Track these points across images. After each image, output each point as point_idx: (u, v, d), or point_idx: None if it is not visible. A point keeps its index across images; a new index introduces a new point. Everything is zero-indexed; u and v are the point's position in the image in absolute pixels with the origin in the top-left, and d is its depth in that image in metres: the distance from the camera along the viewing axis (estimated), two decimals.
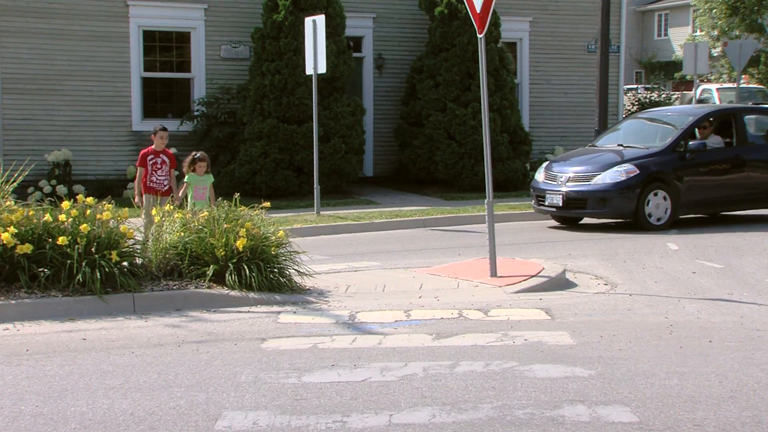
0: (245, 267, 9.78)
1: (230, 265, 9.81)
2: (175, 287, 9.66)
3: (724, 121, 16.99)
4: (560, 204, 15.95)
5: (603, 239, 14.84)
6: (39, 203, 10.07)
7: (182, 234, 10.11)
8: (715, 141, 16.60)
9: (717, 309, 9.53)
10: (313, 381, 6.72)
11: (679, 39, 54.16)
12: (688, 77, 38.17)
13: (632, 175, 15.52)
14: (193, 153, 13.01)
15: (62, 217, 9.44)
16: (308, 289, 10.31)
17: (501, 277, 10.87)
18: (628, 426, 5.73)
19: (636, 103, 26.23)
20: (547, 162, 17.29)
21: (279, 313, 9.24)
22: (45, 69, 20.01)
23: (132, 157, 20.59)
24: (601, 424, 5.77)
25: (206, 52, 21.31)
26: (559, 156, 17.89)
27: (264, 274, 9.84)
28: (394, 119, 22.74)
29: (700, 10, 43.56)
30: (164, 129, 13.31)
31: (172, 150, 20.39)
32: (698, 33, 48.22)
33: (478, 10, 10.99)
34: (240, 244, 9.76)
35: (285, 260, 10.24)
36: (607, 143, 17.19)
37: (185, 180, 12.62)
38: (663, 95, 31.50)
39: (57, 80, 20.15)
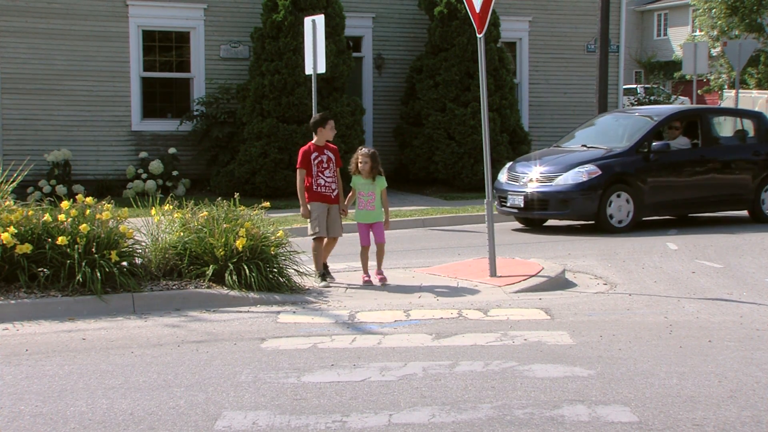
0: (245, 267, 9.77)
1: (230, 264, 9.80)
2: (174, 287, 9.65)
3: (692, 122, 16.75)
4: (522, 205, 15.64)
5: (603, 239, 14.83)
6: (38, 203, 10.06)
7: (182, 234, 10.11)
8: (681, 142, 16.37)
9: (716, 309, 9.53)
10: (313, 381, 6.72)
11: (678, 39, 54.19)
12: (687, 77, 38.17)
13: (594, 176, 15.27)
14: (359, 148, 11.14)
15: (62, 217, 9.44)
16: (308, 288, 10.31)
17: (500, 276, 10.87)
18: (628, 426, 5.73)
19: (636, 103, 26.22)
20: (511, 162, 17.02)
21: (278, 313, 9.24)
22: (44, 69, 20.02)
23: (131, 157, 20.64)
24: (601, 423, 5.76)
25: (206, 51, 21.32)
26: (524, 156, 17.60)
27: (263, 274, 9.83)
28: (393, 119, 22.75)
29: (700, 10, 43.57)
30: (330, 117, 11.08)
31: (171, 151, 20.59)
32: (698, 33, 48.24)
33: (477, 10, 10.99)
34: (239, 243, 9.76)
35: (284, 260, 10.24)
36: (573, 144, 16.90)
37: (351, 184, 10.87)
38: (668, 96, 31.10)
39: (56, 80, 20.16)
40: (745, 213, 17.10)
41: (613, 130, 16.90)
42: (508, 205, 15.92)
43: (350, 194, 10.91)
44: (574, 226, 16.25)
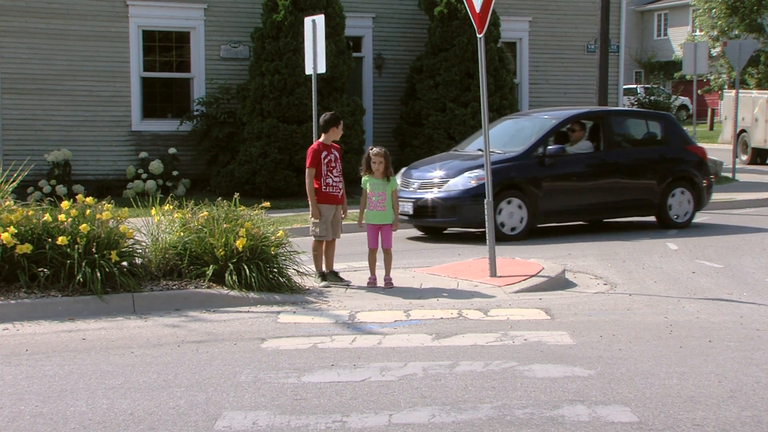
0: (245, 267, 9.77)
1: (230, 265, 9.80)
2: (174, 287, 9.65)
3: (595, 124, 16.02)
4: (411, 212, 14.78)
5: (602, 239, 14.83)
6: (38, 203, 10.06)
7: (182, 234, 10.10)
8: (583, 146, 15.70)
9: (717, 309, 9.53)
10: (313, 381, 6.72)
11: (678, 39, 54.20)
12: (687, 77, 38.18)
13: (484, 181, 13.82)
14: (370, 147, 10.98)
15: (62, 217, 9.44)
16: (308, 289, 10.31)
17: (501, 277, 10.87)
18: (628, 426, 5.73)
19: (636, 103, 26.21)
20: (406, 168, 16.12)
21: (278, 313, 9.24)
22: (44, 69, 20.02)
23: (131, 157, 20.64)
24: (601, 423, 5.76)
25: (206, 52, 21.33)
26: (421, 160, 16.69)
27: (264, 274, 9.83)
28: (393, 119, 22.75)
29: (700, 10, 43.56)
30: (342, 117, 11.08)
31: (171, 151, 20.58)
32: (698, 33, 48.22)
33: (477, 10, 10.99)
34: (240, 244, 9.75)
35: (285, 260, 10.23)
36: (471, 147, 16.04)
37: (361, 184, 10.86)
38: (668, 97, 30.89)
39: (56, 80, 20.16)
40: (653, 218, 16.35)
41: (513, 134, 16.09)
42: (399, 212, 14.55)
43: (362, 201, 10.83)
44: (456, 233, 16.23)
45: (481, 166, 14.24)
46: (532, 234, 14.92)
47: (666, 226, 15.94)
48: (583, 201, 15.38)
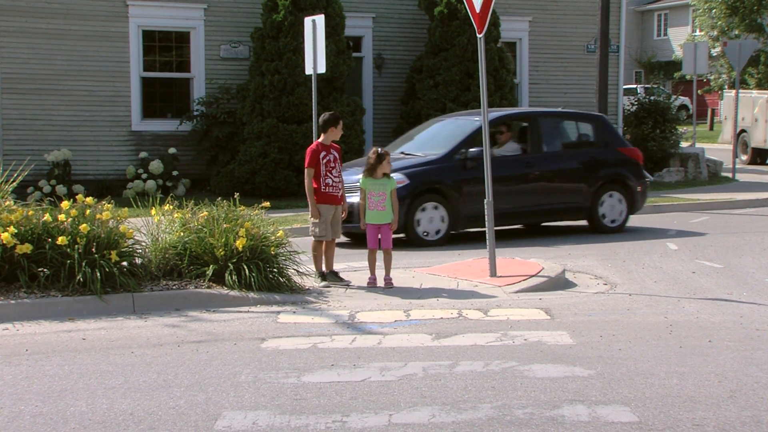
0: (245, 267, 9.77)
1: (230, 265, 9.80)
2: (174, 287, 9.65)
3: (524, 126, 15.67)
4: None
5: (602, 239, 14.84)
6: (38, 203, 10.06)
7: (182, 234, 10.11)
8: (510, 148, 15.23)
9: (716, 309, 9.53)
10: (313, 381, 6.72)
11: (678, 39, 54.20)
12: (687, 77, 38.18)
13: (401, 185, 13.20)
14: (374, 149, 11.01)
15: (62, 217, 9.44)
16: (308, 288, 10.31)
17: (500, 276, 10.87)
18: (628, 426, 5.73)
19: (636, 103, 26.20)
20: None
21: (278, 312, 9.24)
22: (44, 69, 20.02)
23: (131, 157, 20.63)
24: (601, 423, 5.76)
25: (206, 51, 21.33)
26: (348, 163, 15.51)
27: (263, 274, 9.83)
28: (393, 119, 22.74)
29: (700, 10, 43.57)
30: (341, 117, 11.08)
31: (171, 151, 20.57)
32: (698, 33, 48.24)
33: (477, 10, 10.99)
34: (239, 244, 9.76)
35: (284, 260, 10.23)
36: (396, 151, 15.29)
37: (359, 185, 10.96)
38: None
39: (56, 80, 20.16)
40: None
41: (439, 136, 15.51)
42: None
43: (361, 202, 10.81)
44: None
45: (399, 170, 13.62)
46: (452, 240, 14.54)
47: (597, 230, 15.46)
48: (509, 205, 14.56)
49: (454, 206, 14.44)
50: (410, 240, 14.26)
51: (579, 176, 15.52)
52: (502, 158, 14.87)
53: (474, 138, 14.61)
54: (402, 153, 14.98)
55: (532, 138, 15.44)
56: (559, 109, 17.96)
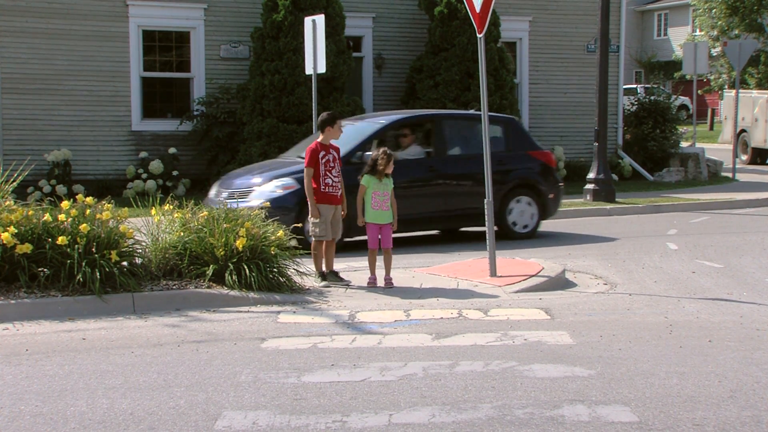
0: (245, 267, 9.77)
1: (230, 264, 9.80)
2: (174, 287, 9.65)
3: (428, 129, 14.91)
4: None
5: (603, 239, 14.83)
6: (38, 203, 10.05)
7: (182, 234, 10.10)
8: (414, 152, 14.47)
9: (717, 309, 9.53)
10: (313, 381, 6.72)
11: (678, 39, 54.20)
12: (687, 77, 38.18)
13: (290, 190, 12.95)
14: (382, 148, 10.95)
15: (62, 216, 9.44)
16: (308, 288, 10.31)
17: (500, 276, 10.87)
18: (628, 426, 5.73)
19: (636, 103, 26.19)
20: (225, 175, 15.24)
21: (278, 312, 9.24)
22: (45, 69, 20.01)
23: (131, 157, 20.63)
24: (601, 423, 5.76)
25: (206, 51, 21.32)
26: (241, 168, 15.57)
27: (263, 274, 9.83)
28: None
29: (700, 10, 43.57)
30: (339, 117, 11.01)
31: (171, 150, 20.56)
32: (698, 33, 48.24)
33: (477, 10, 10.99)
34: (240, 243, 9.76)
35: (285, 260, 10.23)
36: (292, 153, 14.87)
37: (361, 183, 10.81)
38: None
39: (57, 80, 20.15)
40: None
41: (344, 138, 14.14)
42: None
43: (359, 199, 10.73)
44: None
45: (291, 174, 13.22)
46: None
47: (507, 236, 14.68)
48: (410, 210, 13.66)
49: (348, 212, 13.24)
50: (306, 248, 13.12)
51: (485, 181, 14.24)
52: (404, 162, 13.89)
53: (373, 140, 13.96)
54: (299, 156, 13.77)
55: (437, 141, 14.75)
56: (469, 111, 17.22)
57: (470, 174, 14.49)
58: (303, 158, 13.32)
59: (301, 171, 12.32)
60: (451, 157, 14.86)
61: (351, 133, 14.21)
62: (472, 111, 16.83)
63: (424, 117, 15.73)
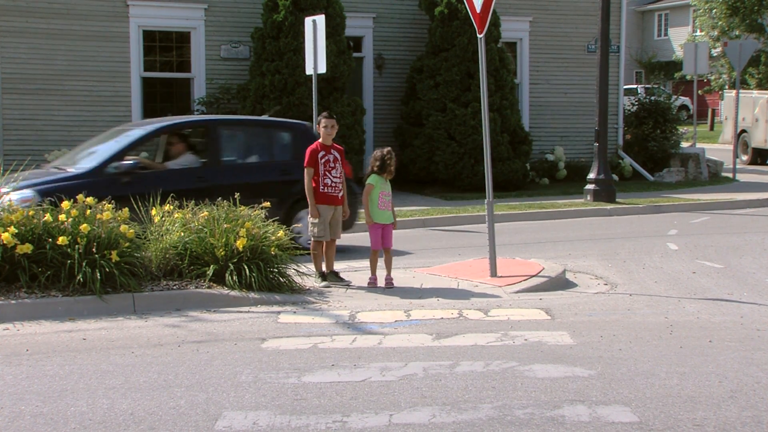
0: (245, 267, 9.77)
1: (230, 265, 9.80)
2: (175, 287, 9.65)
3: (202, 136, 13.73)
4: None
5: (603, 239, 14.83)
6: (39, 203, 10.05)
7: (182, 234, 10.11)
8: (187, 160, 13.19)
9: (717, 309, 9.53)
10: (313, 381, 6.72)
11: (679, 39, 54.19)
12: (688, 77, 38.17)
13: (26, 204, 10.64)
14: (385, 148, 10.88)
15: (62, 217, 9.44)
16: (308, 289, 10.31)
17: (501, 277, 10.87)
18: (628, 426, 5.73)
19: (636, 103, 26.19)
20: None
21: (279, 313, 9.24)
22: (45, 69, 20.01)
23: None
24: (601, 424, 5.76)
25: (206, 52, 21.32)
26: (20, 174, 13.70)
27: (264, 274, 9.83)
28: (394, 119, 22.75)
29: (700, 10, 43.56)
30: (331, 116, 10.77)
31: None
32: (698, 33, 48.22)
33: (478, 10, 10.99)
34: (240, 244, 9.76)
35: (285, 260, 10.23)
36: (61, 161, 13.67)
37: (368, 182, 10.71)
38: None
39: (57, 80, 20.15)
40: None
41: (105, 146, 13.23)
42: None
43: (365, 198, 10.69)
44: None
45: (32, 186, 11.78)
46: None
47: (298, 248, 12.99)
48: None
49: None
50: None
51: (267, 191, 12.58)
52: (170, 172, 12.90)
53: (132, 149, 12.91)
54: (55, 167, 12.92)
55: (210, 149, 13.44)
56: (252, 117, 16.35)
57: (246, 184, 12.60)
58: (59, 168, 12.83)
59: (49, 182, 11.85)
60: (226, 165, 13.56)
61: (116, 141, 13.21)
62: (264, 117, 15.73)
63: (195, 123, 14.54)
